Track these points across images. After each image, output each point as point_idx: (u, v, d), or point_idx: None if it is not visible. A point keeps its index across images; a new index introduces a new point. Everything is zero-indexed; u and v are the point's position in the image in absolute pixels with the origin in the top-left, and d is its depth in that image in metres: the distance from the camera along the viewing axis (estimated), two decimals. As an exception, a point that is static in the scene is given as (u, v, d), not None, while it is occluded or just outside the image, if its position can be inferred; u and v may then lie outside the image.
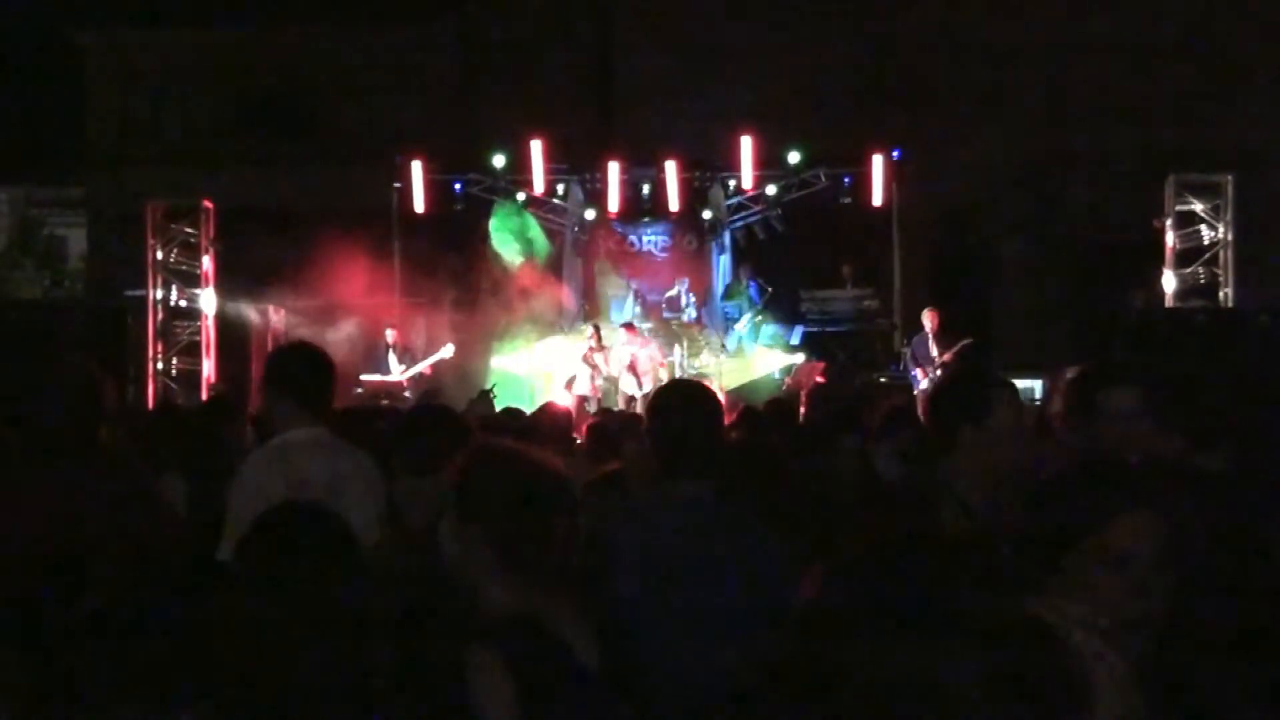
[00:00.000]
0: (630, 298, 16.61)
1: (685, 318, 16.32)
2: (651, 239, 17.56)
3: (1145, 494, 2.08)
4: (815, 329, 16.27)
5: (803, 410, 8.07)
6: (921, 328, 14.44)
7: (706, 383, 14.18)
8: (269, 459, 3.86)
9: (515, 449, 2.99)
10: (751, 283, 16.43)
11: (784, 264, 16.72)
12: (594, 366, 14.49)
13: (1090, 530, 2.02)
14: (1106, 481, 2.12)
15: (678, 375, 14.79)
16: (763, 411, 7.38)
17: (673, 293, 16.58)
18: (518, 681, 2.27)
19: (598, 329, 14.86)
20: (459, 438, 3.57)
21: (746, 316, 16.23)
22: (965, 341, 13.99)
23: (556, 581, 2.58)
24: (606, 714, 2.45)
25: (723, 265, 17.32)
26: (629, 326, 15.13)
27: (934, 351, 14.04)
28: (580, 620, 2.53)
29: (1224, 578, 2.36)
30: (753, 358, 15.94)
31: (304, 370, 4.02)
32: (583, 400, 13.97)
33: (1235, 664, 2.18)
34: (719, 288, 17.21)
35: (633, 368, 14.47)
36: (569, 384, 14.52)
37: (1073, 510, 2.06)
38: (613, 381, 14.55)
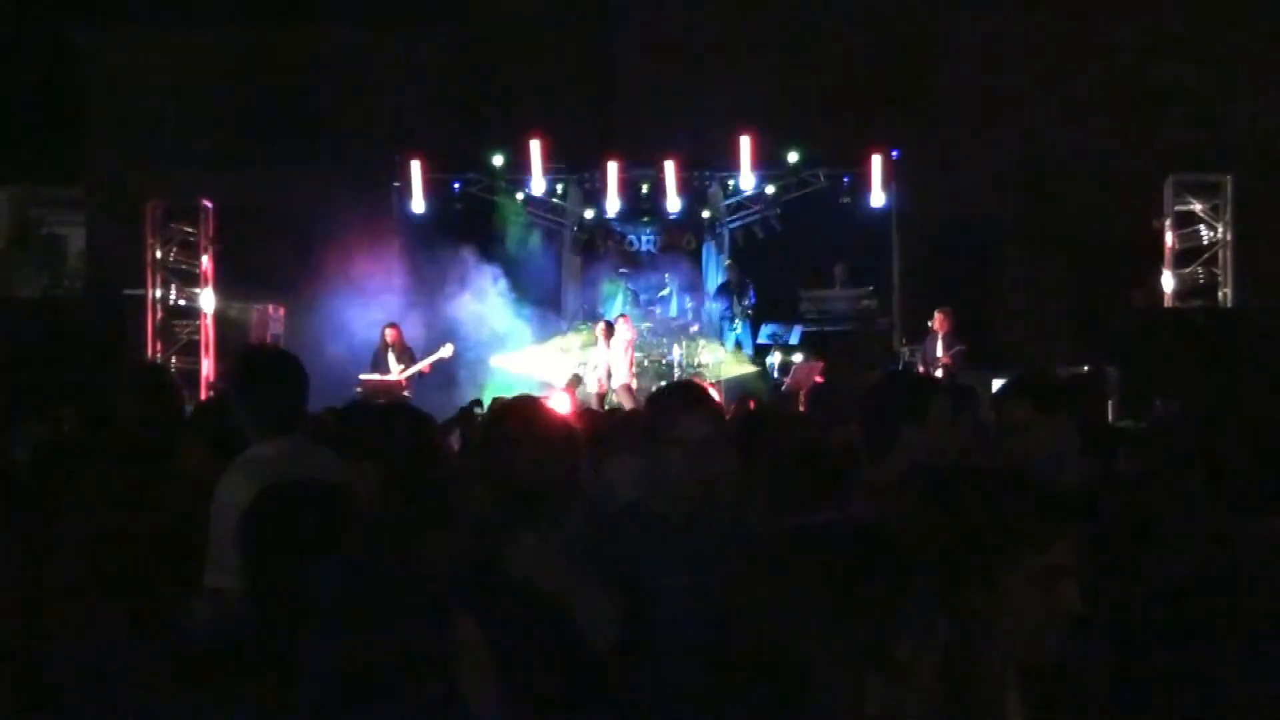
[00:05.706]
0: (627, 297, 16.59)
1: (683, 317, 16.30)
2: (650, 238, 17.54)
3: None
4: (814, 329, 16.25)
5: (802, 410, 8.06)
6: (928, 328, 14.41)
7: (704, 382, 14.23)
8: (239, 476, 3.35)
9: (532, 404, 2.97)
10: (748, 286, 16.45)
11: (783, 264, 16.71)
12: (606, 364, 14.45)
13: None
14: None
15: (677, 375, 14.79)
16: (762, 415, 7.29)
17: (667, 291, 16.56)
18: (499, 656, 2.18)
19: (609, 325, 14.74)
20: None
21: (740, 315, 16.22)
22: (958, 348, 13.95)
23: (582, 556, 2.54)
24: (600, 697, 2.37)
25: (719, 265, 17.31)
26: (625, 317, 15.12)
27: (939, 352, 14.03)
28: (604, 600, 2.47)
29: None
30: (750, 357, 15.93)
31: (266, 379, 3.57)
32: (600, 398, 13.98)
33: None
34: (714, 287, 17.20)
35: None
36: (570, 385, 14.45)
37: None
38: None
